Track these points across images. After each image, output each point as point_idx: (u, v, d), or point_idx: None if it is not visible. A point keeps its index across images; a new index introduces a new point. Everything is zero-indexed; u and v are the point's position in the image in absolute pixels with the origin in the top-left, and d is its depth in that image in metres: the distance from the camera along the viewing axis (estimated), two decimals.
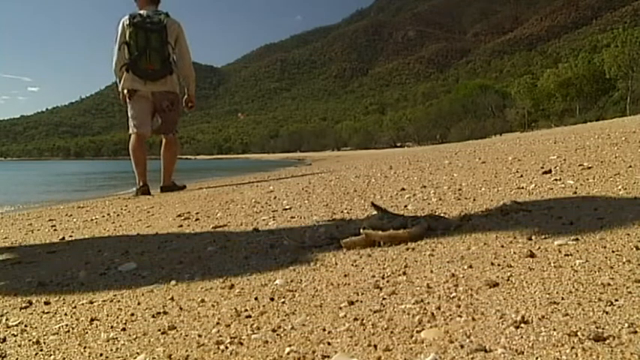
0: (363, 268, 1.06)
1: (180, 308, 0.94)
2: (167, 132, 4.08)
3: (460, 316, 0.72)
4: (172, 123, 4.07)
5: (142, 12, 3.85)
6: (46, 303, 1.07)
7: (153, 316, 0.91)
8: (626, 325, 0.62)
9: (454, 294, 0.82)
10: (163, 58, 3.84)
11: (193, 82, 4.19)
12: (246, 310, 0.88)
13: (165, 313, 0.92)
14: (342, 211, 1.85)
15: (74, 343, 0.82)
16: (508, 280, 0.86)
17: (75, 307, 1.02)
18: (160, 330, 0.83)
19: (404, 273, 0.98)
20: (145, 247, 1.63)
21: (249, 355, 0.69)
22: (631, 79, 49.90)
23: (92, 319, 0.92)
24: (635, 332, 0.60)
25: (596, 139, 3.29)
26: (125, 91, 3.90)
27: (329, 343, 0.70)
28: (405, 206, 1.76)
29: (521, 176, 2.11)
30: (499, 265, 0.95)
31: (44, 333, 0.88)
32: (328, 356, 0.66)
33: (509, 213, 1.40)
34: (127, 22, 3.78)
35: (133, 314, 0.93)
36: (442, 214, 1.49)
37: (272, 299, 0.92)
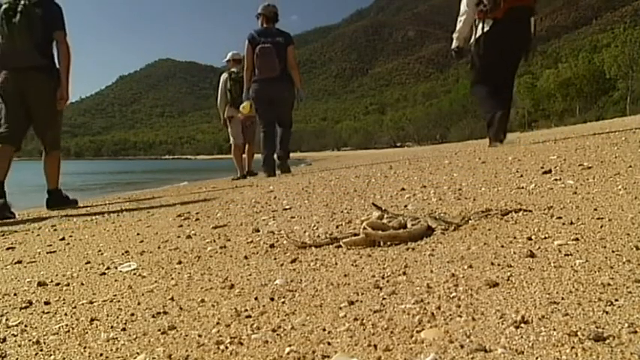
0: (363, 268, 1.06)
1: (180, 308, 0.94)
2: (248, 141, 6.56)
3: (460, 316, 0.72)
4: (252, 135, 6.48)
5: (233, 69, 6.41)
6: (46, 303, 1.07)
7: (153, 316, 0.91)
8: (626, 325, 0.62)
9: (454, 294, 0.82)
10: None
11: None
12: (246, 310, 0.88)
13: (165, 313, 0.92)
14: (342, 211, 1.85)
15: (74, 343, 0.82)
16: (508, 280, 0.86)
17: (75, 307, 1.02)
18: (160, 330, 0.83)
19: (404, 273, 0.98)
20: (145, 247, 1.63)
21: (249, 355, 0.69)
22: (631, 79, 49.94)
23: (92, 319, 0.92)
24: (635, 332, 0.60)
25: (596, 139, 3.29)
26: (227, 118, 6.44)
27: (329, 343, 0.70)
28: (405, 206, 1.76)
29: (521, 176, 2.10)
30: (499, 265, 0.95)
31: (44, 333, 0.88)
32: (328, 356, 0.66)
33: (509, 213, 1.40)
34: (227, 77, 6.38)
35: (133, 314, 0.93)
36: (442, 214, 1.49)
37: (272, 299, 0.92)
